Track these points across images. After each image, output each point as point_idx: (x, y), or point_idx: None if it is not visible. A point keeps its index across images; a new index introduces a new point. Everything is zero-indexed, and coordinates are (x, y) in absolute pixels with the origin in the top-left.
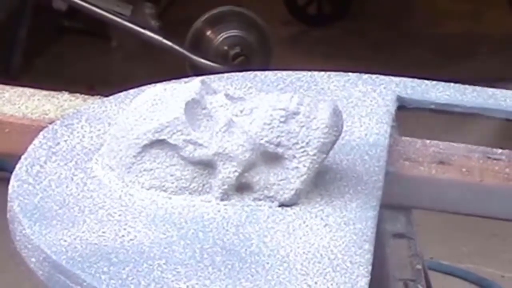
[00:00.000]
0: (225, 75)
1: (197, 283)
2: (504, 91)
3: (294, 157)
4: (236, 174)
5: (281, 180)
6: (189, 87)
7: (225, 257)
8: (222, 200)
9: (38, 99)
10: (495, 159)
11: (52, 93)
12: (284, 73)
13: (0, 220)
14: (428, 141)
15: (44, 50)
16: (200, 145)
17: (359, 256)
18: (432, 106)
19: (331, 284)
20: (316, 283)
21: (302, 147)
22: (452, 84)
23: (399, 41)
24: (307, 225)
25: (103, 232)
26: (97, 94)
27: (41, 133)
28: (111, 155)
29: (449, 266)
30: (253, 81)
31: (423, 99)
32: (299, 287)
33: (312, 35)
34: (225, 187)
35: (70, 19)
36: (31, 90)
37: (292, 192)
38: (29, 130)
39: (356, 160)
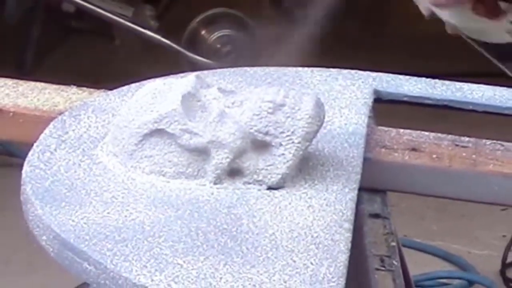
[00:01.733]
0: (218, 70)
1: (192, 259)
2: (470, 84)
3: (281, 144)
4: (228, 160)
5: (269, 165)
6: (185, 81)
7: (218, 235)
8: (215, 183)
9: (49, 92)
10: (462, 146)
11: (62, 87)
12: (272, 68)
13: (14, 201)
14: (401, 130)
15: (54, 48)
16: (196, 134)
17: (339, 234)
18: (406, 99)
19: (314, 260)
20: (300, 259)
21: (288, 135)
22: (423, 78)
23: (376, 40)
24: (292, 206)
25: (108, 213)
26: (102, 88)
27: (51, 123)
28: (115, 143)
29: (421, 243)
30: (243, 76)
31: (397, 92)
32: (285, 262)
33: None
34: (218, 172)
35: (77, 20)
36: (42, 84)
37: (279, 176)
38: (40, 121)
39: (336, 147)
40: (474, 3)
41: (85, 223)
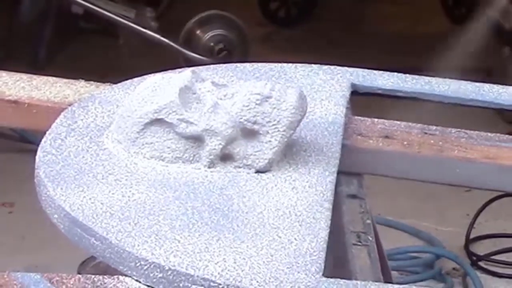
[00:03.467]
0: (211, 66)
1: (188, 235)
2: (437, 78)
3: (268, 132)
4: (220, 146)
5: (257, 151)
6: (182, 76)
7: (211, 214)
8: (209, 167)
9: (60, 86)
10: (430, 134)
11: (71, 80)
12: (259, 64)
13: (29, 184)
14: (376, 120)
15: (65, 46)
16: (191, 123)
17: (320, 213)
18: (379, 91)
19: (297, 236)
20: (285, 235)
21: (274, 124)
22: (395, 73)
23: (353, 39)
24: (278, 188)
25: (112, 194)
26: (108, 82)
27: (62, 113)
28: (119, 131)
29: (393, 221)
30: (234, 71)
31: (372, 86)
32: (271, 238)
33: (282, 34)
34: (211, 157)
35: (85, 20)
36: (54, 78)
37: (266, 161)
38: (52, 111)
39: (317, 135)
40: None
41: (92, 203)
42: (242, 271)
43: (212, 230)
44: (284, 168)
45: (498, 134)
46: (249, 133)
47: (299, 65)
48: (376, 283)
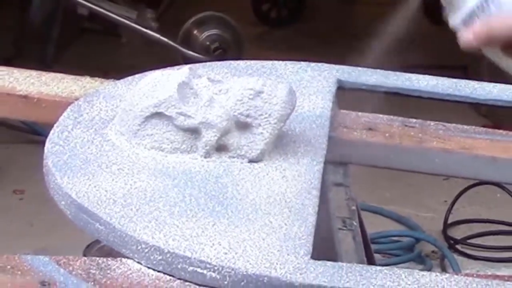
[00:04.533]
0: (208, 63)
1: (186, 220)
2: (417, 75)
3: (260, 125)
4: (216, 138)
5: (249, 142)
6: (180, 72)
7: (207, 201)
8: (205, 157)
9: (67, 82)
10: (411, 126)
11: (77, 77)
12: (252, 62)
13: (39, 173)
14: (360, 113)
15: (71, 45)
16: (189, 116)
17: (308, 200)
18: (364, 87)
19: (287, 221)
20: (276, 220)
21: (265, 117)
22: (378, 70)
23: (339, 39)
24: (269, 177)
25: (116, 182)
26: (111, 78)
27: (69, 107)
28: (122, 123)
29: (377, 207)
30: (229, 68)
31: (356, 82)
32: (263, 223)
33: (273, 33)
34: (207, 148)
35: (90, 21)
36: (61, 75)
37: (258, 151)
38: (60, 105)
39: (306, 127)
40: (504, 47)
41: (97, 190)
42: (236, 253)
43: (208, 215)
44: (275, 158)
45: (473, 127)
46: (243, 126)
47: (288, 62)
48: (360, 264)
